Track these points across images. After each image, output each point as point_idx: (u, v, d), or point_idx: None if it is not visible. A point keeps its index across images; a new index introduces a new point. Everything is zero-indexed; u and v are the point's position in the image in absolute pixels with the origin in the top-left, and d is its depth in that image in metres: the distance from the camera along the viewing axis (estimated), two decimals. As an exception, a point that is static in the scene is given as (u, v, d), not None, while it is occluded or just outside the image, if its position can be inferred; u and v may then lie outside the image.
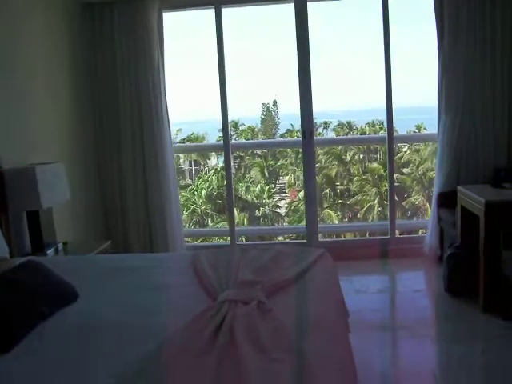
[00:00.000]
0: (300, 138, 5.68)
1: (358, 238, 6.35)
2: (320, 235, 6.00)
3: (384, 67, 5.49)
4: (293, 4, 5.48)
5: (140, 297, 2.88)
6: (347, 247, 5.81)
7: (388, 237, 5.79)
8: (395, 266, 5.57)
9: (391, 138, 5.63)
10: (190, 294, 2.92)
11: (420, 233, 6.30)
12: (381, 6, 5.40)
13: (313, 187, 5.81)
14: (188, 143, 20.24)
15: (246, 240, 7.35)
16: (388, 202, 5.94)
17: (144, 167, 5.58)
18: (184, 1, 5.64)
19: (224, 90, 5.68)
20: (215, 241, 8.76)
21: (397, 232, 5.93)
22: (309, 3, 5.47)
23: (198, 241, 8.03)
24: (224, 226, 23.45)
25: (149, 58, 5.43)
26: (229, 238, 6.00)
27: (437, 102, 5.37)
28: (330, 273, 3.41)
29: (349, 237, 8.39)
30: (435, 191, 5.45)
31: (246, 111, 35.42)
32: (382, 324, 4.27)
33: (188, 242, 7.11)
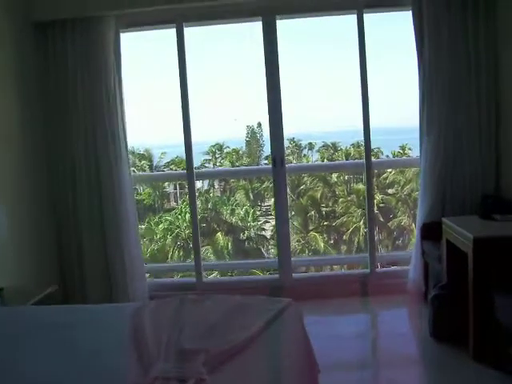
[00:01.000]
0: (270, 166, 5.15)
1: (335, 272, 5.73)
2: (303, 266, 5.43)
3: (360, 89, 4.99)
4: (260, 22, 4.98)
5: (50, 366, 2.32)
6: (323, 283, 5.24)
7: (368, 271, 5.22)
8: (375, 304, 5.01)
9: (369, 164, 5.09)
10: (119, 365, 2.36)
11: (404, 265, 5.74)
12: (356, 24, 4.90)
13: (285, 218, 5.26)
14: (150, 172, 19.58)
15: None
16: (367, 234, 5.38)
17: (100, 202, 5.00)
18: (143, 19, 5.10)
19: (186, 113, 5.13)
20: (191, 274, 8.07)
21: (379, 264, 5.39)
22: (278, 21, 4.97)
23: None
24: (208, 249, 22.88)
25: (105, 81, 4.89)
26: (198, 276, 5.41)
27: (418, 122, 4.85)
28: (295, 330, 2.88)
29: (326, 270, 7.89)
30: (418, 222, 4.90)
31: (230, 133, 35.08)
32: (359, 378, 3.70)
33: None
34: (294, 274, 5.25)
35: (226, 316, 2.80)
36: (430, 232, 4.66)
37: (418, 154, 4.93)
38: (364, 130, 5.01)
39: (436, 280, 4.46)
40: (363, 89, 4.96)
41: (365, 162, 5.09)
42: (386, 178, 28.88)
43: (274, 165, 5.09)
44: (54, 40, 4.91)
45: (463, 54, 4.62)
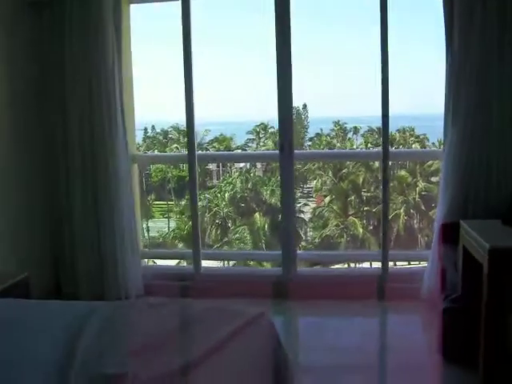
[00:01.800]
0: (277, 151, 4.63)
1: (343, 269, 5.15)
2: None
3: (381, 72, 4.41)
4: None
5: None
6: (330, 281, 4.72)
7: (379, 272, 4.67)
8: (384, 311, 4.49)
9: (386, 154, 4.52)
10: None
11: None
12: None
13: (291, 208, 4.74)
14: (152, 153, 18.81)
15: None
16: (381, 231, 4.81)
17: (94, 181, 4.59)
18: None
19: (190, 90, 4.64)
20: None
21: (392, 264, 4.83)
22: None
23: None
24: (244, 229, 22.48)
25: (103, 60, 4.44)
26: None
27: (443, 112, 4.26)
28: (261, 352, 2.39)
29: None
30: (437, 221, 4.33)
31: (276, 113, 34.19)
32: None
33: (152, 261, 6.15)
34: (298, 270, 4.75)
35: (175, 330, 2.34)
36: (450, 234, 4.07)
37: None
38: (382, 116, 4.44)
39: (451, 289, 3.90)
40: (383, 72, 4.39)
41: (382, 151, 4.52)
42: (431, 166, 27.89)
43: (281, 150, 4.57)
44: (50, 17, 4.49)
45: (496, 40, 3.99)
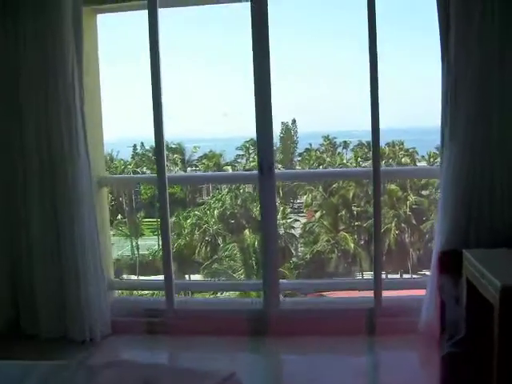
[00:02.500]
0: (255, 172, 4.12)
1: (331, 301, 4.57)
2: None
3: (370, 83, 3.93)
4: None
5: None
6: (316, 316, 4.20)
7: (371, 304, 4.14)
8: (376, 349, 3.96)
9: (377, 173, 4.02)
10: None
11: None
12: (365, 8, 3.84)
13: (272, 233, 4.22)
14: (120, 175, 18.08)
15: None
16: (373, 257, 4.28)
17: (54, 204, 4.07)
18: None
19: (158, 107, 4.13)
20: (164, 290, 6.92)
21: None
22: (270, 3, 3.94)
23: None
24: (234, 247, 21.94)
25: (62, 71, 3.93)
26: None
27: (434, 125, 3.77)
28: None
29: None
30: (435, 249, 3.82)
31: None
32: None
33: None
34: (281, 301, 4.22)
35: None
36: (450, 263, 3.56)
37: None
38: (372, 131, 3.95)
39: (452, 328, 3.38)
40: (372, 83, 3.90)
41: (372, 170, 4.01)
42: (421, 179, 27.51)
43: (260, 172, 4.05)
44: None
45: (497, 44, 3.52)
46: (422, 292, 4.09)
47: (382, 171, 4.04)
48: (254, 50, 3.96)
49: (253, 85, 4.03)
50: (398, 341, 3.87)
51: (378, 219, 4.14)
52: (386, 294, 4.24)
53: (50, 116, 3.95)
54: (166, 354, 4.24)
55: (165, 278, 4.32)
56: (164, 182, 4.17)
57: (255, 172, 4.18)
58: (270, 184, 4.06)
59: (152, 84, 4.09)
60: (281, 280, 4.37)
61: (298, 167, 30.86)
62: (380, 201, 4.15)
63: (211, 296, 19.72)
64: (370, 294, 4.19)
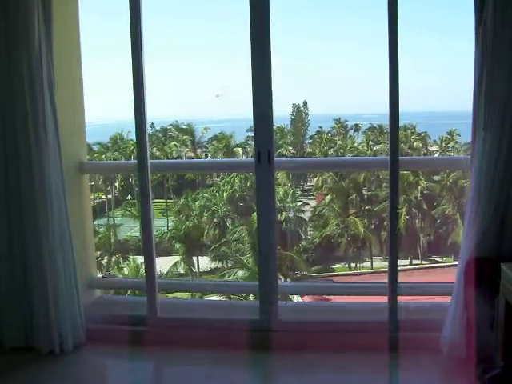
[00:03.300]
0: (252, 159, 3.45)
1: (341, 304, 3.90)
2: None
3: (388, 64, 3.26)
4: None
5: None
6: (321, 330, 3.56)
7: (385, 316, 3.49)
8: (389, 372, 3.34)
9: (395, 162, 3.35)
10: None
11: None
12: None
13: (271, 234, 3.55)
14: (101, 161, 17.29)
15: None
16: (388, 258, 3.60)
17: (18, 197, 3.44)
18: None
19: (139, 86, 3.47)
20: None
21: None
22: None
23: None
24: (243, 230, 21.34)
25: (27, 52, 3.29)
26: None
27: (471, 113, 3.10)
28: None
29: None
30: (461, 255, 3.16)
31: (276, 110, 32.73)
32: None
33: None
34: (281, 308, 3.57)
35: None
36: (481, 274, 2.93)
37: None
38: (391, 116, 3.28)
39: (484, 352, 2.75)
40: (392, 64, 3.24)
41: (389, 160, 3.35)
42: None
43: (258, 160, 3.39)
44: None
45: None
46: (444, 299, 3.46)
47: (401, 161, 3.36)
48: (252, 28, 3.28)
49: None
50: (415, 361, 3.25)
51: (393, 220, 3.47)
52: (402, 298, 3.60)
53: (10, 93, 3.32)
54: (147, 367, 3.63)
55: (146, 279, 3.68)
56: (145, 171, 3.53)
57: (251, 160, 3.52)
58: (269, 175, 3.40)
59: (132, 62, 3.43)
60: (280, 283, 3.73)
61: (308, 149, 30.22)
62: (397, 195, 3.48)
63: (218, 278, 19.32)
64: (384, 298, 3.55)
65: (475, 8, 3.00)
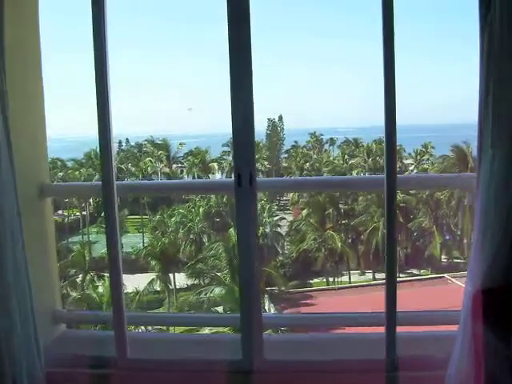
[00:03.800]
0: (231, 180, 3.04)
1: (333, 336, 3.49)
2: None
3: (384, 79, 2.89)
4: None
5: None
6: (306, 370, 3.15)
7: (382, 354, 3.09)
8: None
9: (391, 183, 2.97)
10: None
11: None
12: None
13: (253, 260, 3.13)
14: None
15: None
16: (385, 292, 3.22)
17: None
18: None
19: (104, 98, 3.05)
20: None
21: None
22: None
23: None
24: (219, 246, 20.89)
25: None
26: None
27: (477, 126, 2.74)
28: None
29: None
30: (468, 284, 2.79)
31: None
32: None
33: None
34: (265, 342, 3.15)
35: None
36: (493, 307, 2.57)
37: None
38: (386, 132, 2.91)
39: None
40: (387, 82, 2.86)
41: (385, 179, 2.97)
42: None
43: (238, 183, 2.99)
44: None
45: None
46: (450, 327, 3.08)
47: (399, 180, 2.99)
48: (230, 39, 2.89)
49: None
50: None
51: (391, 249, 3.09)
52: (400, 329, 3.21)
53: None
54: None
55: (114, 315, 3.24)
56: (111, 194, 3.10)
57: (229, 181, 3.10)
58: (250, 200, 3.00)
59: (96, 75, 3.01)
60: (265, 314, 3.32)
61: (284, 164, 30.03)
62: (395, 224, 3.11)
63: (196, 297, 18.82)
64: (381, 329, 3.15)
65: (480, 14, 2.66)
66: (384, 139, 2.91)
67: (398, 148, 30.20)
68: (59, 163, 26.98)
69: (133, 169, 27.84)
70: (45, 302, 3.37)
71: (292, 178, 23.48)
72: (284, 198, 28.51)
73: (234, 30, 2.87)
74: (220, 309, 18.64)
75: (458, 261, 25.33)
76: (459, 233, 25.99)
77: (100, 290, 20.69)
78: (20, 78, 3.19)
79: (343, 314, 5.44)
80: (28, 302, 3.06)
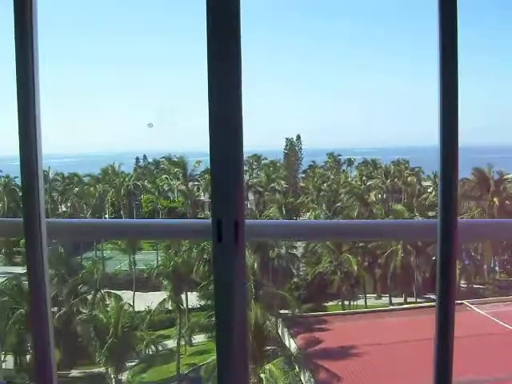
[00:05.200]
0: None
1: None
2: None
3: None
4: None
5: None
6: None
7: None
8: None
9: (448, 232, 1.92)
10: None
11: None
12: None
13: (240, 341, 2.09)
14: None
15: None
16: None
17: None
18: None
19: (24, 110, 2.05)
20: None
21: None
22: None
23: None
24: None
25: None
26: None
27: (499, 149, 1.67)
28: None
29: None
30: None
31: (268, 144, 31.83)
32: None
33: None
34: None
35: None
36: None
37: None
38: (442, 162, 1.87)
39: None
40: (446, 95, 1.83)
41: (440, 224, 1.92)
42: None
43: (217, 237, 1.93)
44: None
45: None
46: None
47: (460, 226, 1.92)
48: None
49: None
50: None
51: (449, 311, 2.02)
52: None
53: None
54: None
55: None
56: (35, 232, 2.07)
57: (207, 222, 2.04)
58: (237, 257, 1.95)
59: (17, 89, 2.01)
60: None
61: (301, 184, 29.02)
62: (454, 292, 2.04)
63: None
64: None
65: None
66: (439, 182, 1.88)
67: (416, 170, 29.12)
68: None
69: (149, 185, 26.96)
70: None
71: (305, 220, 22.30)
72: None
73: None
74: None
75: (478, 286, 23.97)
76: (479, 257, 24.66)
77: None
78: None
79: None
80: None
